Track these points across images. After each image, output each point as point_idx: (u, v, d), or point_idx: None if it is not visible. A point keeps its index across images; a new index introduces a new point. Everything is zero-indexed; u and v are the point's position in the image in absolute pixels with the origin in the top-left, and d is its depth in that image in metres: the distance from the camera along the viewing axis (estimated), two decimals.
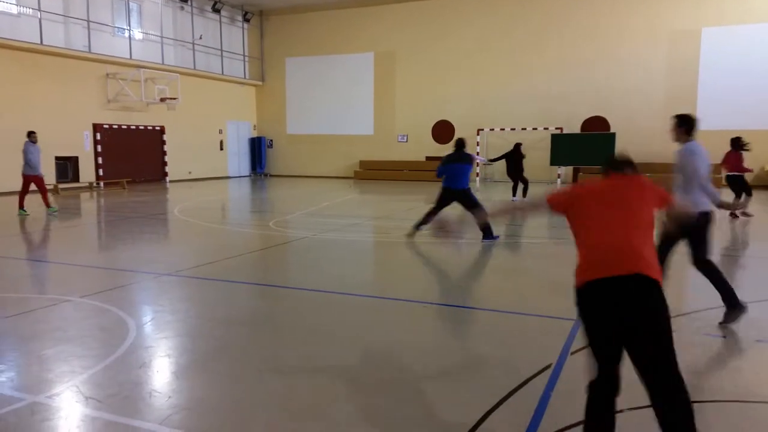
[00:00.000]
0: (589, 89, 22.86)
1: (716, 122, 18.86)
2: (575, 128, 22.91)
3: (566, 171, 23.30)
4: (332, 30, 27.35)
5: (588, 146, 21.64)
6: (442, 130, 25.71)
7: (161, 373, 4.11)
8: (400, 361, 4.30)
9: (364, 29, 26.79)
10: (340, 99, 27.56)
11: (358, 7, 26.63)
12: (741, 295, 6.39)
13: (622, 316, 2.56)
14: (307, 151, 28.39)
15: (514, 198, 16.38)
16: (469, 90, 24.98)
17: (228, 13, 27.21)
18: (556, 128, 23.01)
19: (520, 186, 16.53)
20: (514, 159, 16.46)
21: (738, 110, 20.82)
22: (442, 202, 9.74)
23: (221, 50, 26.69)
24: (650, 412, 2.58)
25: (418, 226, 9.80)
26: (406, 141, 26.62)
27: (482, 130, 24.34)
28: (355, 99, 27.35)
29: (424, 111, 25.87)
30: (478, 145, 24.19)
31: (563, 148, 22.20)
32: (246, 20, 28.00)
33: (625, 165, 3.05)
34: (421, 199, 17.56)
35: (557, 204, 2.99)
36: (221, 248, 9.14)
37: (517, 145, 16.72)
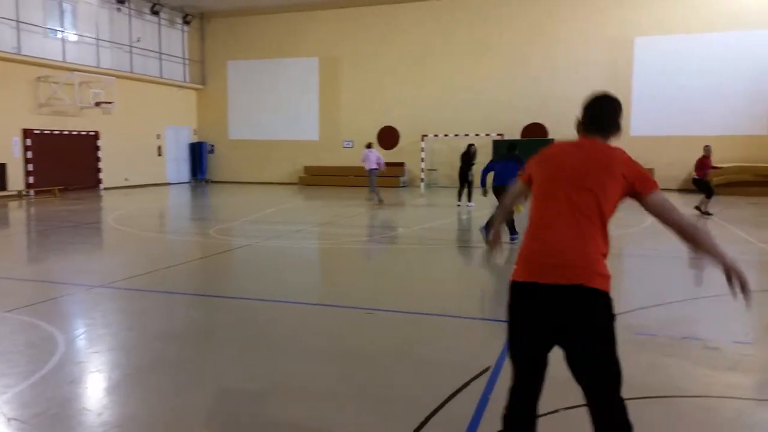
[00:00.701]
0: (529, 96, 23.45)
1: (648, 128, 19.68)
2: (516, 135, 23.46)
3: None
4: (276, 34, 27.09)
5: (527, 152, 22.07)
6: (388, 136, 25.84)
7: (92, 389, 3.94)
8: (343, 370, 4.27)
9: (308, 34, 26.66)
10: (284, 104, 27.30)
11: (302, 11, 26.49)
12: (671, 294, 6.67)
13: (553, 329, 2.34)
14: (250, 157, 27.95)
15: (459, 203, 16.51)
16: (413, 96, 25.22)
17: (167, 16, 26.54)
18: (498, 134, 23.50)
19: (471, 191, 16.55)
20: (466, 160, 16.53)
21: (669, 117, 21.81)
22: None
23: (160, 53, 26.00)
24: (583, 411, 2.64)
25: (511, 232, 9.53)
26: (352, 147, 26.60)
27: (426, 136, 24.61)
28: (299, 104, 27.15)
29: (370, 117, 25.94)
30: (422, 151, 24.43)
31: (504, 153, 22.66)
32: (186, 23, 27.39)
33: (597, 126, 2.52)
34: (366, 204, 17.60)
35: (523, 177, 2.68)
36: (158, 258, 8.87)
37: (469, 146, 16.84)
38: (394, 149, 25.51)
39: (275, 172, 27.56)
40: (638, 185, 2.37)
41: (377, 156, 17.67)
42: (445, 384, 3.87)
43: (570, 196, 2.36)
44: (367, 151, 17.90)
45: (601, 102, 2.56)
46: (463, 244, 10.37)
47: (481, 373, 4.05)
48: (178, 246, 10.33)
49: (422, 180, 24.41)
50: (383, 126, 25.83)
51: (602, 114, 2.53)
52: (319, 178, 26.36)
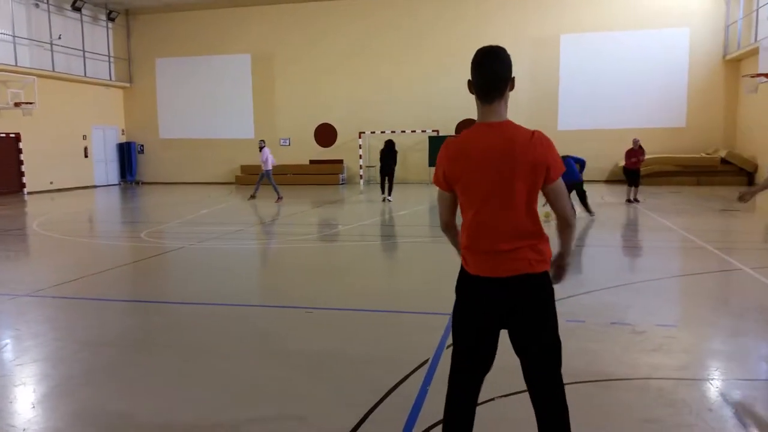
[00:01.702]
0: (463, 93, 23.64)
1: (575, 122, 20.41)
2: (451, 131, 23.84)
3: None
4: (206, 30, 26.43)
5: None
6: (325, 133, 25.71)
7: (16, 403, 3.75)
8: (282, 371, 4.24)
9: (239, 30, 26.15)
10: (217, 101, 26.70)
11: (232, 7, 25.95)
12: (599, 282, 6.96)
13: (502, 314, 2.42)
14: (183, 157, 27.17)
15: (383, 195, 16.74)
16: (350, 93, 25.19)
17: (90, 12, 25.41)
18: (433, 131, 23.82)
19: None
20: (388, 156, 16.69)
21: (594, 111, 22.72)
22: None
23: (83, 51, 24.88)
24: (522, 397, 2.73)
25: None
26: (289, 144, 26.34)
27: (363, 133, 24.65)
28: (233, 101, 26.61)
29: (306, 114, 25.73)
30: (360, 148, 24.45)
31: (439, 149, 23.01)
32: (111, 19, 26.31)
33: (494, 90, 2.40)
34: (305, 202, 17.47)
35: (439, 183, 2.54)
36: (87, 264, 8.51)
37: (389, 142, 16.96)
38: (332, 146, 25.44)
39: (210, 171, 26.93)
40: (552, 170, 2.36)
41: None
42: (383, 380, 3.90)
43: (499, 185, 2.34)
44: (266, 149, 17.86)
45: (491, 59, 2.42)
46: (402, 239, 10.46)
47: (419, 366, 4.11)
48: (108, 251, 9.94)
49: (361, 177, 24.44)
50: (321, 123, 25.69)
51: (494, 75, 2.39)
52: (255, 177, 25.84)
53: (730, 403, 3.57)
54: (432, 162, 23.26)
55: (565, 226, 2.52)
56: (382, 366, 4.22)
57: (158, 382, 4.05)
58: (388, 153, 16.62)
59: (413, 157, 24.56)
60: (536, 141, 2.34)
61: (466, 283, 2.49)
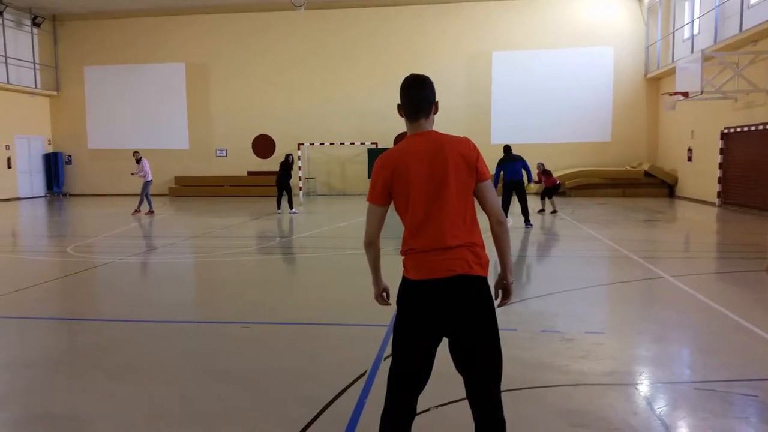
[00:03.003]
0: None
1: (507, 137, 21.01)
2: (389, 143, 24.08)
3: None
4: (137, 38, 25.70)
5: None
6: (263, 144, 25.40)
7: None
8: (215, 389, 4.14)
9: (173, 38, 25.58)
10: (149, 111, 25.94)
11: (164, 15, 25.36)
12: (530, 290, 7.17)
13: (440, 323, 2.47)
14: (113, 168, 26.16)
15: (279, 210, 16.81)
16: (289, 104, 25.04)
17: (13, 17, 24.23)
18: (372, 143, 23.98)
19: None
20: (285, 169, 16.81)
21: (525, 126, 23.49)
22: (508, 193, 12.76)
23: (5, 57, 23.66)
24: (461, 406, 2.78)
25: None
26: (226, 155, 25.89)
27: (302, 144, 24.52)
28: (166, 111, 25.93)
29: (244, 124, 25.37)
30: (300, 159, 24.29)
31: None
32: (36, 25, 25.17)
33: (421, 113, 2.60)
34: (242, 214, 17.18)
35: (375, 197, 2.62)
36: (9, 280, 8.05)
37: (288, 156, 17.15)
38: (271, 158, 25.17)
39: (141, 183, 26.02)
40: (480, 167, 2.55)
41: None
42: (320, 395, 3.88)
43: (434, 182, 2.48)
44: (144, 161, 17.59)
45: (417, 87, 2.64)
46: (342, 251, 10.45)
47: (356, 379, 4.12)
48: (32, 266, 9.44)
49: (300, 189, 24.27)
50: (258, 134, 25.37)
51: (420, 99, 2.62)
52: (191, 189, 25.32)
53: (654, 406, 3.75)
54: (371, 174, 23.35)
55: (497, 224, 2.59)
56: (318, 380, 4.19)
57: (83, 405, 3.88)
58: (284, 166, 16.78)
59: (352, 169, 24.65)
60: (464, 141, 2.57)
61: (405, 291, 2.53)
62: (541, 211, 16.01)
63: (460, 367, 2.54)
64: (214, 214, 17.72)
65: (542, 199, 16.35)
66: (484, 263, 2.53)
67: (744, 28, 15.56)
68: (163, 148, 25.99)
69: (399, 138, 24.03)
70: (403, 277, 2.56)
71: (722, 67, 15.79)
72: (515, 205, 13.22)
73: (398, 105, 2.67)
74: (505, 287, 2.72)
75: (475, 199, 2.58)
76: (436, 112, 2.67)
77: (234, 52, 25.26)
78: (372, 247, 2.70)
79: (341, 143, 24.31)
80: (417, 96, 2.62)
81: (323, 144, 24.57)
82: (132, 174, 18.12)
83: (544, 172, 16.13)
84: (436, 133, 2.60)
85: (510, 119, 23.72)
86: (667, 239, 12.06)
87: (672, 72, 18.92)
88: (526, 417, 3.60)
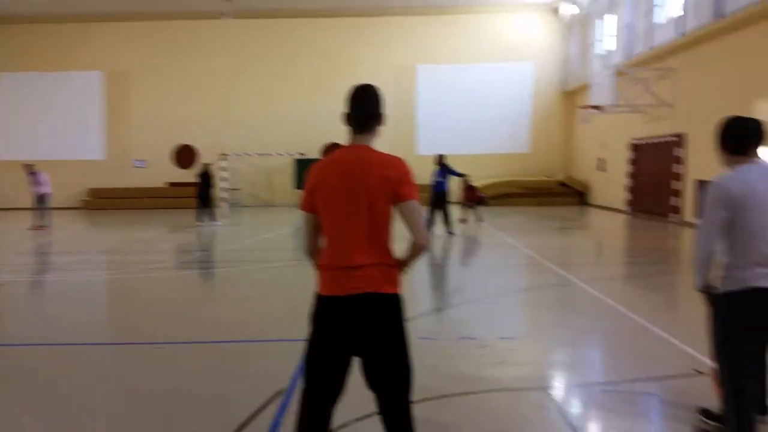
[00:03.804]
0: (328, 117, 24.12)
1: (432, 148, 21.36)
2: (316, 153, 23.99)
3: None
4: (51, 45, 24.45)
5: None
6: (185, 155, 24.62)
7: None
8: (125, 414, 3.95)
9: (90, 46, 24.51)
10: (63, 120, 24.70)
11: (80, 22, 24.26)
12: (450, 299, 7.29)
13: (348, 340, 2.48)
14: (22, 180, 24.56)
15: (200, 223, 16.41)
16: (212, 114, 24.50)
17: None
18: (299, 153, 23.81)
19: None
20: (205, 180, 16.49)
21: (449, 137, 24.04)
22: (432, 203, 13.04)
23: None
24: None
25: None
26: (145, 166, 24.96)
27: (227, 155, 24.00)
28: (81, 120, 24.78)
29: (165, 134, 24.54)
30: (225, 170, 23.74)
31: (306, 171, 23.07)
32: None
33: (365, 124, 2.60)
34: (162, 227, 16.59)
35: (304, 205, 2.64)
36: None
37: (206, 166, 16.84)
38: (192, 168, 24.43)
39: (54, 195, 24.62)
40: (403, 188, 2.48)
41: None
42: (236, 415, 3.78)
43: (351, 199, 2.46)
44: (40, 174, 16.28)
45: (363, 100, 2.63)
46: (266, 263, 10.28)
47: (273, 397, 4.05)
48: None
49: (225, 200, 23.70)
50: (180, 144, 24.59)
51: (366, 112, 2.61)
52: (107, 201, 24.22)
53: (564, 409, 3.90)
54: (298, 185, 23.18)
55: (417, 248, 2.59)
56: (235, 400, 4.08)
57: None
58: (204, 177, 16.45)
59: (279, 180, 24.36)
60: (391, 160, 2.52)
61: (317, 306, 2.53)
62: (464, 220, 16.38)
63: (370, 384, 2.54)
64: (131, 227, 17.02)
65: (465, 209, 16.75)
66: (394, 280, 2.54)
67: (653, 45, 16.65)
68: (77, 159, 24.78)
69: (327, 149, 23.97)
70: (316, 292, 2.56)
71: (633, 82, 16.80)
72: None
73: (344, 114, 2.64)
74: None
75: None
76: (382, 124, 2.66)
77: (156, 61, 24.49)
78: (312, 254, 2.70)
79: (268, 153, 24.00)
80: (362, 109, 2.60)
81: (248, 154, 24.15)
82: (32, 188, 16.56)
83: (469, 188, 16.50)
84: (369, 150, 2.56)
85: (435, 131, 24.25)
86: (579, 246, 12.65)
87: (587, 87, 19.93)
88: (442, 426, 3.65)
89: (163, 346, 5.45)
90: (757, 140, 3.29)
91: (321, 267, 2.54)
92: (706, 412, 3.47)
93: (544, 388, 4.28)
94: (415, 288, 8.06)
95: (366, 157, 2.52)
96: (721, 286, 3.07)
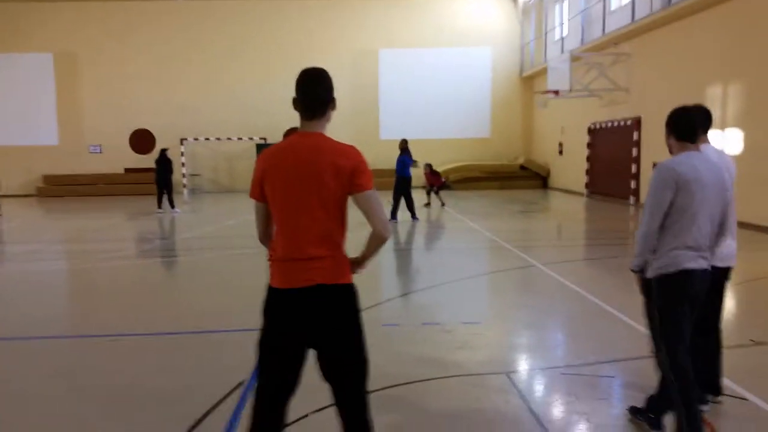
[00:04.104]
0: (287, 101, 23.73)
1: (395, 133, 21.40)
2: (278, 138, 23.68)
3: None
4: None
5: None
6: (142, 140, 24.05)
7: None
8: (76, 410, 3.84)
9: (38, 27, 23.52)
10: (12, 104, 23.71)
11: (29, 1, 23.23)
12: (413, 284, 7.32)
13: (301, 333, 2.41)
14: None
15: (160, 209, 16.07)
16: (170, 98, 23.88)
17: None
18: (261, 138, 23.47)
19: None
20: (162, 165, 16.12)
21: (411, 122, 24.03)
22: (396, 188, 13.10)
23: None
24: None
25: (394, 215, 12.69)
26: (101, 152, 24.25)
27: (186, 139, 23.49)
28: (32, 104, 23.84)
29: (121, 119, 23.87)
30: (182, 155, 23.23)
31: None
32: None
33: (314, 110, 2.48)
34: (119, 214, 16.18)
35: (253, 193, 2.55)
36: None
37: (163, 151, 16.45)
38: (150, 154, 23.88)
39: (4, 182, 23.76)
40: (358, 178, 2.38)
41: None
42: (192, 410, 3.69)
43: (302, 188, 2.37)
44: None
45: (312, 84, 2.50)
46: (227, 251, 10.12)
47: (233, 390, 3.98)
48: None
49: (185, 186, 23.25)
50: (137, 129, 23.99)
51: (315, 97, 2.48)
52: (62, 188, 23.47)
53: (524, 393, 3.95)
54: None
55: (377, 238, 2.52)
56: (192, 394, 3.99)
57: None
58: (162, 163, 16.07)
59: (241, 166, 23.97)
60: (344, 149, 2.42)
61: (269, 299, 2.46)
62: (427, 204, 16.46)
63: (325, 376, 2.50)
64: (88, 215, 16.55)
65: (428, 193, 16.82)
66: (346, 271, 2.49)
67: (607, 31, 16.89)
68: (28, 145, 23.90)
69: (289, 134, 23.66)
70: (268, 284, 2.49)
71: (588, 67, 17.03)
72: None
73: (293, 99, 2.53)
74: (353, 265, 2.60)
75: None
76: (333, 108, 2.54)
77: (108, 43, 23.68)
78: (265, 241, 2.64)
79: (228, 138, 23.59)
80: (311, 94, 2.48)
81: (208, 139, 23.69)
82: None
83: (432, 173, 16.51)
84: (321, 137, 2.46)
85: (397, 115, 24.18)
86: (539, 228, 12.86)
87: (544, 71, 20.13)
88: (404, 412, 3.67)
89: (119, 339, 5.31)
90: (705, 127, 3.45)
91: (272, 258, 2.47)
92: (634, 409, 3.51)
93: (505, 372, 4.33)
94: (378, 274, 8.07)
95: (317, 144, 2.42)
96: (653, 268, 3.18)
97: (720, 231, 3.21)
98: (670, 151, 3.29)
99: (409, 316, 5.83)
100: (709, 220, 3.10)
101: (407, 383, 4.10)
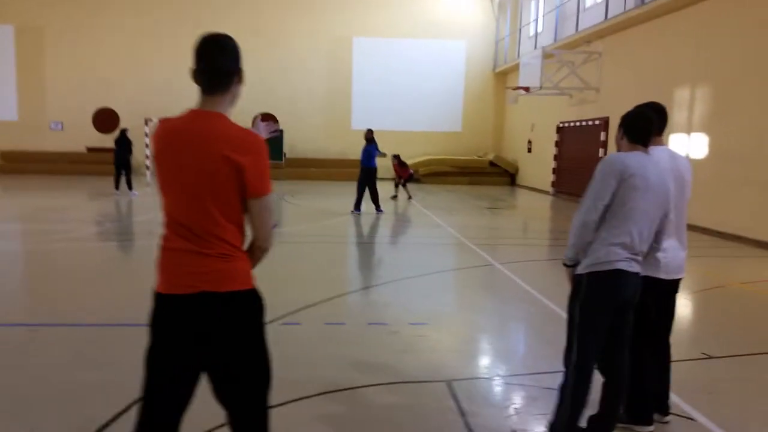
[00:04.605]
0: (259, 87, 23.31)
1: (367, 123, 21.04)
2: (248, 124, 22.68)
3: None
4: None
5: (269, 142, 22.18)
6: (105, 119, 23.23)
7: None
8: None
9: None
10: None
11: None
12: (366, 280, 7.10)
13: (193, 349, 2.08)
14: None
15: (117, 191, 15.59)
16: (136, 76, 23.20)
17: None
18: None
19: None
20: (122, 146, 15.63)
21: (384, 113, 23.77)
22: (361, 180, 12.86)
23: None
24: None
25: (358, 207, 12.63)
26: (62, 129, 23.46)
27: (151, 120, 22.82)
28: None
29: (84, 96, 23.07)
30: (147, 136, 22.55)
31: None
32: None
33: (214, 82, 2.11)
34: (77, 195, 15.63)
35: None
36: None
37: (123, 131, 15.96)
38: (114, 133, 23.15)
39: None
40: (250, 178, 2.02)
41: None
42: (99, 413, 3.39)
43: (189, 191, 2.02)
44: None
45: (212, 52, 2.11)
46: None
47: None
48: None
49: (147, 168, 22.60)
50: (100, 107, 23.17)
51: (215, 67, 2.10)
52: (21, 166, 22.64)
53: (462, 405, 3.72)
54: None
55: (257, 250, 2.18)
56: (103, 394, 3.69)
57: None
58: (122, 143, 15.55)
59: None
60: (243, 139, 2.03)
61: (155, 307, 2.12)
62: (394, 197, 16.27)
63: (219, 399, 2.18)
64: (44, 194, 15.94)
65: (396, 186, 16.57)
66: (246, 275, 2.14)
67: (580, 29, 16.84)
68: None
69: (255, 120, 23.13)
70: (153, 289, 2.14)
71: (560, 64, 16.95)
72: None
73: (191, 70, 2.14)
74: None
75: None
76: (240, 82, 2.17)
77: (73, 16, 22.86)
78: None
79: None
80: (210, 62, 2.08)
81: None
82: None
83: (400, 164, 16.29)
84: (219, 120, 2.06)
85: (370, 106, 23.88)
86: (503, 226, 12.76)
87: (517, 67, 20.02)
88: (332, 423, 3.45)
89: (37, 329, 4.97)
90: (660, 128, 3.33)
91: (159, 258, 2.13)
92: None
93: (447, 380, 4.11)
94: (332, 268, 7.84)
95: (210, 128, 2.04)
96: (584, 264, 3.05)
97: (656, 239, 3.10)
98: (618, 150, 3.16)
99: (356, 314, 5.61)
100: (648, 225, 2.97)
101: (340, 390, 3.87)
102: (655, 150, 3.22)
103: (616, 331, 3.09)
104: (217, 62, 2.12)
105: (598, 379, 3.15)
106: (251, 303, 2.15)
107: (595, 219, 2.97)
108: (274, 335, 4.82)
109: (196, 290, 2.03)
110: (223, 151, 2.01)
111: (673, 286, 3.47)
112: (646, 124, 3.07)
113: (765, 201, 10.18)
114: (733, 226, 10.68)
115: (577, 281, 3.13)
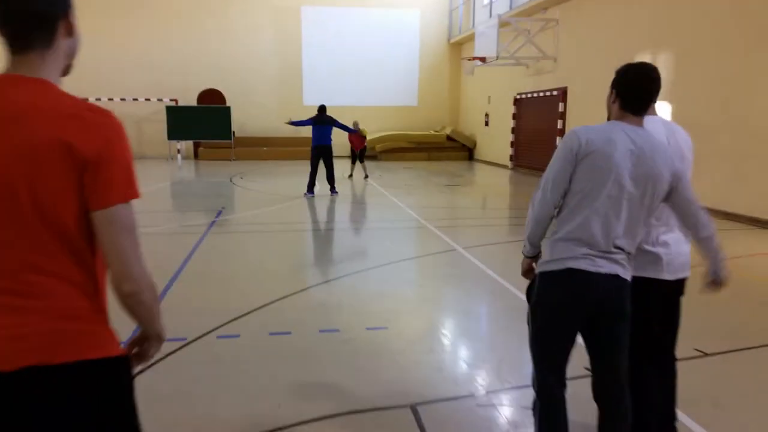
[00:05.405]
0: (204, 61, 22.01)
1: (319, 98, 20.06)
2: (192, 101, 21.89)
3: (187, 146, 22.22)
4: None
5: (205, 120, 20.98)
6: None
7: None
8: None
9: None
10: None
11: None
12: (317, 276, 6.37)
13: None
14: None
15: None
16: None
17: None
18: (171, 100, 21.64)
19: None
20: None
21: (336, 87, 22.79)
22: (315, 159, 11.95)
23: None
24: None
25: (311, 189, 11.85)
26: None
27: (87, 99, 21.25)
28: None
29: None
30: None
31: (180, 121, 21.02)
32: None
33: (25, 38, 1.36)
34: None
35: None
36: None
37: None
38: None
39: None
40: (102, 182, 1.32)
41: None
42: None
43: (2, 202, 1.29)
44: None
45: None
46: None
47: None
48: None
49: None
50: None
51: (30, 9, 1.35)
52: None
53: (436, 429, 3.14)
54: (171, 135, 21.09)
55: (121, 294, 1.39)
56: None
57: None
58: None
59: (150, 129, 22.06)
60: (84, 114, 1.34)
61: None
62: (350, 176, 15.53)
63: None
64: None
65: (353, 163, 15.77)
66: (100, 335, 1.40)
67: None
68: None
69: (204, 95, 21.89)
70: None
71: (516, 33, 16.36)
72: (322, 170, 12.16)
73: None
74: (140, 355, 1.59)
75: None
76: (69, 35, 1.45)
77: None
78: None
79: (134, 99, 21.57)
80: (17, 4, 1.34)
81: (112, 99, 21.56)
82: None
83: (358, 137, 15.01)
84: (43, 88, 1.36)
85: (322, 80, 22.87)
86: (464, 205, 12.19)
87: (473, 38, 19.35)
88: None
89: None
90: (654, 98, 2.53)
91: None
92: None
93: (409, 404, 3.45)
94: (276, 262, 7.08)
95: (31, 103, 1.32)
96: (539, 261, 2.52)
97: (642, 230, 2.47)
98: (609, 115, 2.51)
99: (304, 320, 4.89)
100: (621, 215, 2.32)
101: (281, 428, 3.17)
102: (646, 121, 2.55)
103: (602, 350, 2.50)
104: (26, 4, 1.34)
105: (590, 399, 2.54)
106: (112, 380, 1.39)
107: (550, 213, 2.42)
108: (205, 354, 4.10)
109: (14, 366, 1.27)
110: (55, 133, 1.28)
111: (677, 287, 2.88)
112: (649, 86, 2.42)
113: (732, 171, 9.87)
114: (699, 197, 10.35)
115: (531, 281, 2.61)
